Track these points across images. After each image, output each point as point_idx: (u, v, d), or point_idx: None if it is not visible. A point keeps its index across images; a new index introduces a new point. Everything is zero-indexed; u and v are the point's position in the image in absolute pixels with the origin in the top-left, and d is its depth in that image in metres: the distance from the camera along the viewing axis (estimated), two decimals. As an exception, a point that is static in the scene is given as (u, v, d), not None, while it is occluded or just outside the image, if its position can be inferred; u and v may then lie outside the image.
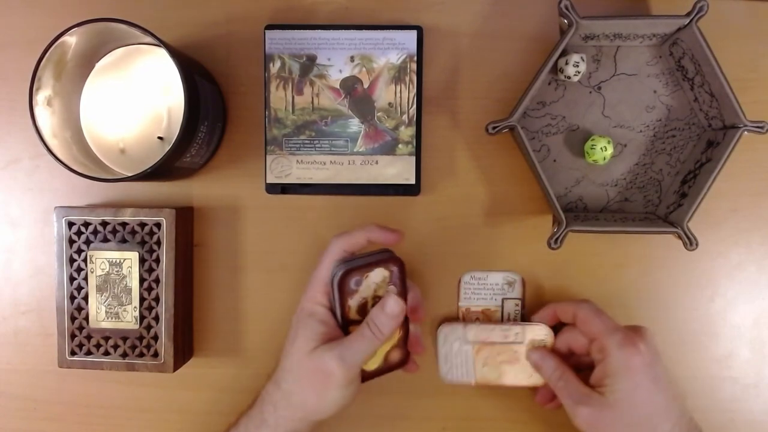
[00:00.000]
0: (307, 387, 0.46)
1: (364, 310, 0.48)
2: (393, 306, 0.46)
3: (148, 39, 0.47)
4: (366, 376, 0.49)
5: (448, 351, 0.54)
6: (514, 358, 0.53)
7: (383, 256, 0.49)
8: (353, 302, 0.48)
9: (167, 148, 0.46)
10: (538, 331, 0.52)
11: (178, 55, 0.46)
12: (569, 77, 0.53)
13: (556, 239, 0.51)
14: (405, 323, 0.50)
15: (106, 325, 0.54)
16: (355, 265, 0.48)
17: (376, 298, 0.48)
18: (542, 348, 0.52)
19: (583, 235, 0.52)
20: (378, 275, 0.48)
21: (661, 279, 0.56)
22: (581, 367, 0.51)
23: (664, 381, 0.46)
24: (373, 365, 0.50)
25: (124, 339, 0.54)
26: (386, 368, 0.50)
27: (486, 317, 0.56)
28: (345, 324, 0.48)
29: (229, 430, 0.49)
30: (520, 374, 0.53)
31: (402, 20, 0.55)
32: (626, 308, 0.56)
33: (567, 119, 0.54)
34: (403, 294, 0.49)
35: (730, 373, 0.56)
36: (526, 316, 0.56)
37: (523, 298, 0.55)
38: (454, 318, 0.56)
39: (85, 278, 0.54)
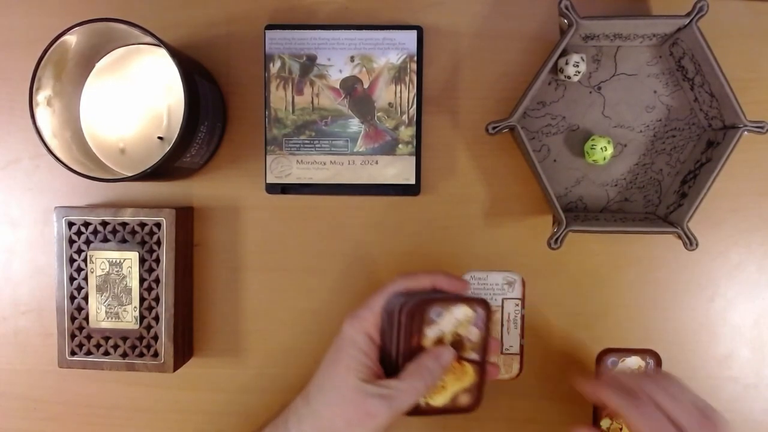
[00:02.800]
0: (341, 416, 0.45)
1: (440, 342, 0.47)
2: (446, 356, 0.46)
3: (148, 39, 0.47)
4: (427, 411, 0.47)
5: None
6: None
7: (471, 297, 0.47)
8: (430, 332, 0.46)
9: (167, 148, 0.46)
10: (457, 312, 0.48)
11: (178, 55, 0.46)
12: (569, 77, 0.53)
13: (556, 239, 0.51)
14: (482, 370, 0.48)
15: (106, 325, 0.54)
16: (439, 297, 0.46)
17: (456, 335, 0.47)
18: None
19: (583, 235, 0.52)
20: (461, 312, 0.47)
21: (661, 279, 0.56)
22: None
23: None
24: (439, 401, 0.47)
25: (124, 339, 0.54)
26: (452, 409, 0.48)
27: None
28: (398, 355, 0.46)
29: None
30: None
31: (402, 20, 0.55)
32: (626, 308, 0.56)
33: (567, 119, 0.54)
34: (484, 337, 0.47)
35: (730, 373, 0.56)
36: (525, 317, 0.56)
37: (523, 298, 0.55)
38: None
39: (85, 278, 0.54)
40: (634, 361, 0.52)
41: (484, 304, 0.47)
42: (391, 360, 0.47)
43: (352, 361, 0.46)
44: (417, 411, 0.47)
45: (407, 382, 0.45)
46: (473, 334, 0.47)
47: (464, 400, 0.48)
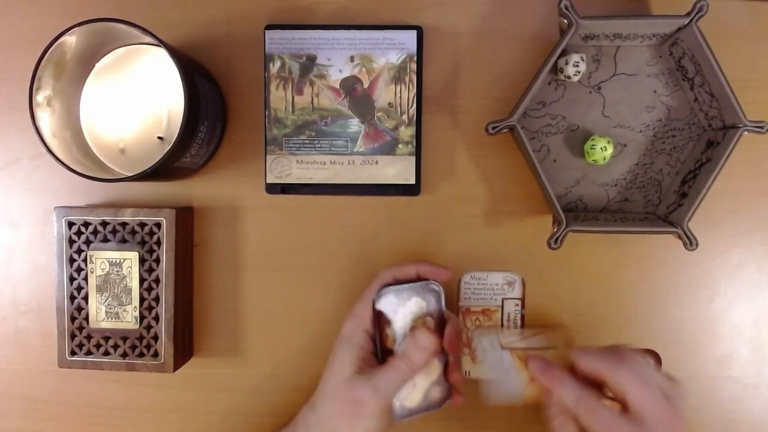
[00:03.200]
0: (339, 413, 0.46)
1: (402, 339, 0.49)
2: (423, 339, 0.47)
3: (148, 39, 0.47)
4: (406, 414, 0.49)
5: (486, 362, 0.49)
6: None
7: (420, 286, 0.49)
8: (390, 331, 0.49)
9: (167, 148, 0.46)
10: (561, 335, 0.50)
11: (178, 55, 0.46)
12: (569, 77, 0.53)
13: (556, 239, 0.51)
14: (444, 357, 0.50)
15: (106, 325, 0.54)
16: (392, 292, 0.48)
17: (415, 328, 0.49)
18: (551, 364, 0.46)
19: (583, 235, 0.52)
20: (415, 305, 0.49)
21: (661, 279, 0.56)
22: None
23: None
24: (413, 401, 0.49)
25: (124, 339, 0.54)
26: (427, 405, 0.49)
27: (486, 317, 0.56)
28: (384, 352, 0.49)
29: None
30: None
31: (402, 20, 0.55)
32: (626, 308, 0.56)
33: (567, 119, 0.54)
34: (440, 325, 0.49)
35: (730, 373, 0.56)
36: (525, 317, 0.56)
37: (523, 298, 0.55)
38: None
39: (85, 278, 0.54)
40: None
41: (434, 292, 0.49)
42: (383, 353, 0.49)
43: (347, 356, 0.47)
44: (396, 415, 0.49)
45: (390, 365, 0.46)
46: (429, 323, 0.49)
47: (436, 394, 0.50)
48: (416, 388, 0.49)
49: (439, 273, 0.50)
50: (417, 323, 0.49)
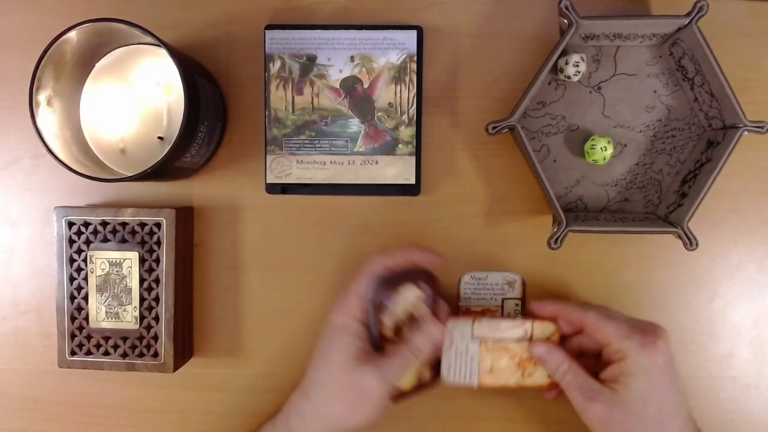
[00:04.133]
0: (341, 401, 0.47)
1: (398, 327, 0.49)
2: (435, 332, 0.48)
3: (148, 39, 0.47)
4: (400, 396, 0.50)
5: (452, 350, 0.51)
6: (520, 357, 0.50)
7: (414, 274, 0.49)
8: (387, 320, 0.49)
9: (167, 148, 0.46)
10: (546, 329, 0.51)
11: (178, 55, 0.46)
12: (569, 77, 0.53)
13: (556, 239, 0.51)
14: None
15: (106, 325, 0.54)
16: (388, 281, 0.49)
17: (410, 316, 0.49)
18: (547, 341, 0.50)
19: (583, 235, 0.52)
20: (410, 293, 0.49)
21: (661, 279, 0.56)
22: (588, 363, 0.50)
23: (678, 381, 0.47)
24: (408, 385, 0.50)
25: (124, 339, 0.54)
26: (419, 387, 0.51)
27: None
28: (381, 340, 0.49)
29: None
30: (528, 375, 0.51)
31: (402, 20, 0.55)
32: (626, 308, 0.56)
33: (567, 119, 0.54)
34: (436, 313, 0.50)
35: (730, 373, 0.56)
36: (525, 315, 0.56)
37: (523, 298, 0.55)
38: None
39: (85, 278, 0.54)
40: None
41: (429, 279, 0.50)
42: (380, 341, 0.49)
43: (345, 347, 0.47)
44: (392, 397, 0.49)
45: (397, 353, 0.47)
46: (424, 310, 0.50)
47: (426, 374, 0.51)
48: (411, 371, 0.50)
49: (430, 259, 0.50)
50: (413, 310, 0.50)
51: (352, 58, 0.54)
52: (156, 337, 0.54)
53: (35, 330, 0.58)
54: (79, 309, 0.54)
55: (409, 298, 0.50)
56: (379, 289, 0.49)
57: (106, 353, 0.54)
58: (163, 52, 0.47)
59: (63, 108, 0.50)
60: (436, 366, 0.51)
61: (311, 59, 0.54)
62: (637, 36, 0.52)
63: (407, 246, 0.51)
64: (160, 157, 0.46)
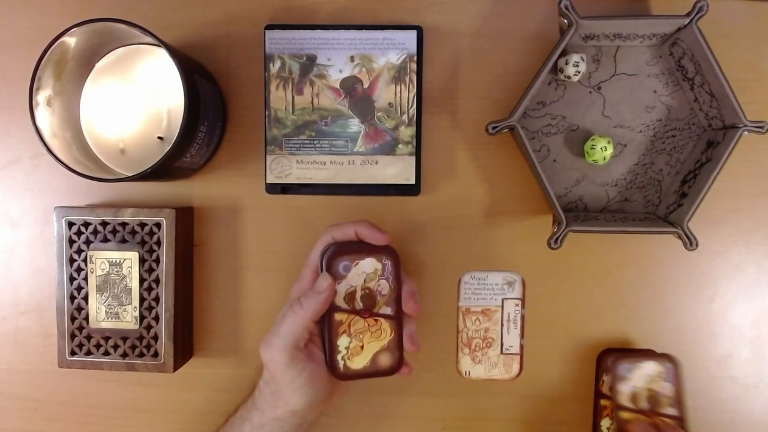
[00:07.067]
0: (267, 366, 0.47)
1: (351, 298, 0.47)
2: (321, 282, 0.46)
3: (148, 39, 0.47)
4: (349, 375, 0.48)
5: None
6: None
7: (377, 247, 0.47)
8: (340, 288, 0.47)
9: (167, 148, 0.46)
10: (365, 266, 0.48)
11: (178, 55, 0.46)
12: (569, 77, 0.53)
13: (556, 239, 0.51)
14: (398, 325, 0.48)
15: (106, 325, 0.54)
16: (346, 248, 0.47)
17: (366, 289, 0.47)
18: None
19: (583, 235, 0.52)
20: (369, 265, 0.47)
21: (661, 279, 0.56)
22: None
23: None
24: (358, 363, 0.48)
25: (124, 339, 0.54)
26: (374, 371, 0.48)
27: (486, 317, 0.56)
28: (330, 309, 0.47)
29: (229, 417, 0.51)
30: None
31: (402, 20, 0.55)
32: (626, 308, 0.56)
33: (567, 119, 0.54)
34: (396, 289, 0.48)
35: (730, 373, 0.56)
36: (525, 317, 0.56)
37: (523, 298, 0.55)
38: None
39: (85, 278, 0.54)
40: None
41: (392, 254, 0.47)
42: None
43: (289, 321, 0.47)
44: (337, 374, 0.48)
45: (280, 316, 0.47)
46: (384, 287, 0.48)
47: (384, 360, 0.48)
48: (363, 351, 0.48)
49: (376, 236, 0.48)
50: (370, 284, 0.47)
51: (352, 58, 0.54)
52: (156, 337, 0.54)
53: (35, 330, 0.58)
54: (79, 309, 0.54)
55: (367, 270, 0.47)
56: (333, 259, 0.47)
57: (106, 353, 0.54)
58: (163, 52, 0.47)
59: (63, 108, 0.50)
60: (397, 351, 0.48)
61: (311, 59, 0.54)
62: (637, 36, 0.52)
63: (358, 219, 0.49)
64: (160, 157, 0.46)
